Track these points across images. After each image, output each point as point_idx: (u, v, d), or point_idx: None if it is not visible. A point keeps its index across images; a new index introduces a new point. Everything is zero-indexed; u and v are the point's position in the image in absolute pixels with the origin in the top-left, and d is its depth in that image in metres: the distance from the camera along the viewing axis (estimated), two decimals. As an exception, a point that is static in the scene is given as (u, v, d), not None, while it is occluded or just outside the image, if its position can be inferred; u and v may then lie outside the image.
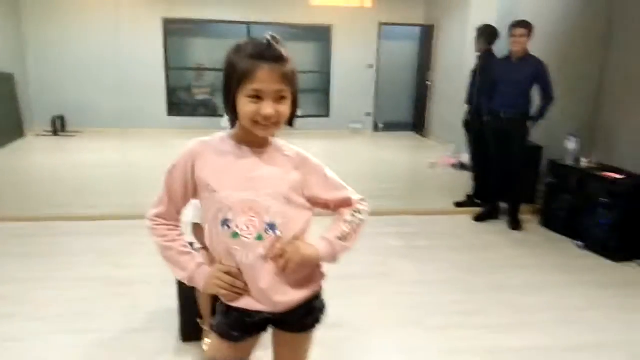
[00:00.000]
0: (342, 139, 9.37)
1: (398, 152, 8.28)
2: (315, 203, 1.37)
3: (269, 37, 1.19)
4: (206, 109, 10.13)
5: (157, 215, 1.32)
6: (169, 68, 9.84)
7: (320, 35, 10.20)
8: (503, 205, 4.64)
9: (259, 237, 1.25)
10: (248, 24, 9.77)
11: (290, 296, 1.32)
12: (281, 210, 1.27)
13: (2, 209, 4.54)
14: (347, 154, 8.16)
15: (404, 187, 5.97)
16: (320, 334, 2.60)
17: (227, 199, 1.24)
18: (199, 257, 1.36)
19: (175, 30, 10.28)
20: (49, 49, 9.07)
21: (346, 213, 1.41)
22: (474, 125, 4.78)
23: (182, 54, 10.62)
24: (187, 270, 1.32)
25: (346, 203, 1.42)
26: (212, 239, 1.30)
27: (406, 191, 5.72)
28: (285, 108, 1.22)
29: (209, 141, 1.29)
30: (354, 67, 9.96)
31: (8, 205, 4.70)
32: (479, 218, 4.63)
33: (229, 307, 1.33)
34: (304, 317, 1.41)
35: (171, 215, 1.33)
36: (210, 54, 10.52)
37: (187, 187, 1.29)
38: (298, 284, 1.34)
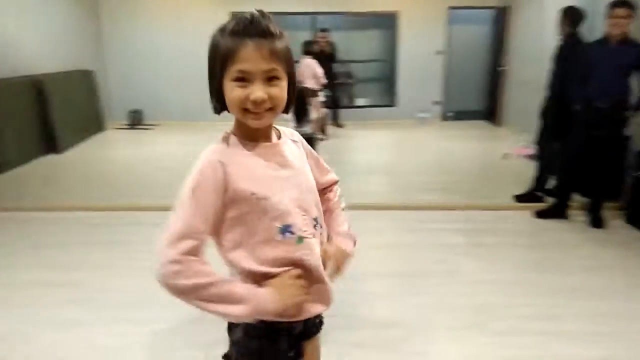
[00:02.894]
0: (409, 129, 9.10)
1: (468, 142, 7.88)
2: None
3: (254, 12, 1.05)
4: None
5: (185, 253, 1.01)
6: (237, 61, 10.00)
7: (385, 22, 9.94)
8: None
9: (314, 235, 1.17)
10: (313, 14, 9.74)
11: (329, 290, 1.25)
12: (316, 201, 1.22)
13: (80, 198, 4.84)
14: (414, 144, 7.90)
15: (473, 179, 5.66)
16: (373, 333, 2.54)
17: (282, 202, 1.10)
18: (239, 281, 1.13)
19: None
20: (126, 45, 9.55)
21: (337, 200, 1.39)
22: (552, 114, 4.41)
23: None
24: (246, 299, 1.03)
25: (332, 185, 1.41)
26: (265, 255, 1.10)
27: (474, 184, 5.42)
28: (278, 90, 1.05)
29: (224, 149, 1.10)
30: (421, 54, 9.62)
31: (86, 195, 5.00)
32: (542, 214, 4.27)
33: (274, 329, 1.15)
34: (318, 317, 1.32)
35: (200, 248, 1.04)
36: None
37: (218, 206, 1.06)
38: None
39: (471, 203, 4.62)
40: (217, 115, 1.17)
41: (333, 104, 8.99)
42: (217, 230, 1.10)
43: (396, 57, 9.77)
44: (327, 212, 1.34)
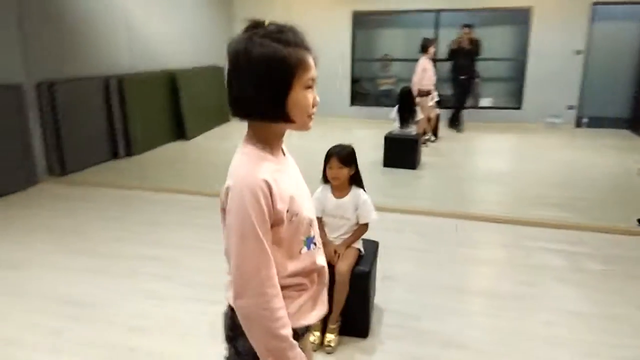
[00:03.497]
0: (536, 134, 8.33)
1: (602, 152, 6.99)
2: None
3: (282, 24, 1.10)
4: (388, 100, 10.12)
5: (279, 294, 1.10)
6: (355, 59, 10.11)
7: (516, 18, 9.23)
8: None
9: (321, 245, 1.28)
10: (437, 11, 9.41)
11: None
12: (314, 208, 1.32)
13: (195, 183, 5.28)
14: (538, 151, 7.19)
15: (597, 196, 5.00)
16: (438, 352, 2.40)
17: (308, 217, 1.18)
18: None
19: (363, 22, 10.51)
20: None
21: None
22: None
23: (369, 45, 10.81)
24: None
25: None
26: (291, 265, 1.16)
27: (598, 202, 4.79)
28: None
29: (260, 166, 1.09)
30: (556, 53, 8.75)
31: (202, 180, 5.44)
32: None
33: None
34: None
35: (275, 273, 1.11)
36: (396, 44, 10.51)
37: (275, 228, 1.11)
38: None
39: (583, 223, 4.10)
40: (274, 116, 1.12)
41: (458, 104, 8.60)
42: None
43: (527, 55, 9.02)
44: None
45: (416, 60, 9.75)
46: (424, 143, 7.04)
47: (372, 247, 2.76)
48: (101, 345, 2.48)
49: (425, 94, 7.18)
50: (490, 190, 5.29)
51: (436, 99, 8.02)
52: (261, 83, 1.04)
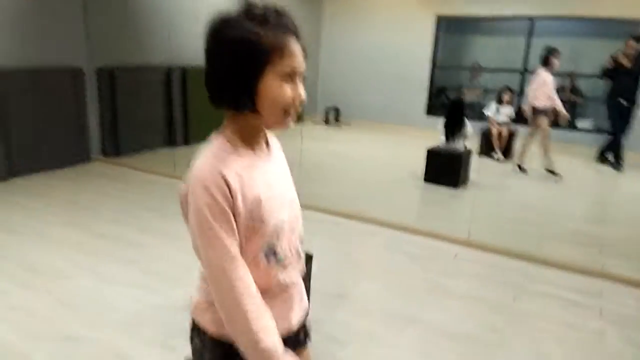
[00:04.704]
0: None
1: None
2: None
3: (273, 5, 0.97)
4: (471, 112, 9.47)
5: (256, 295, 0.98)
6: (436, 66, 9.61)
7: (625, 31, 8.07)
8: None
9: (298, 255, 1.12)
10: (532, 18, 8.59)
11: (305, 306, 1.22)
12: (299, 215, 1.14)
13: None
14: (617, 189, 6.20)
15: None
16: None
17: (277, 225, 1.02)
18: None
19: (452, 28, 9.96)
20: (338, 46, 10.17)
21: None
22: None
23: (457, 52, 10.22)
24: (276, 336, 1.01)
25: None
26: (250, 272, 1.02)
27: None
28: (304, 92, 1.01)
29: (221, 156, 0.98)
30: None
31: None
32: None
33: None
34: (300, 333, 1.23)
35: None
36: (487, 53, 9.81)
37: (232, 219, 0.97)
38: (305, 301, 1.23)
39: (607, 271, 3.43)
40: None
41: (615, 135, 6.86)
42: None
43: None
44: None
45: (509, 70, 9.08)
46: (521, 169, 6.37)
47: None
48: (28, 312, 2.61)
49: (542, 112, 6.02)
50: (517, 219, 4.67)
51: (511, 115, 7.34)
52: (228, 66, 0.94)
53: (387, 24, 9.58)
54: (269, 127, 1.04)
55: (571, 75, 8.96)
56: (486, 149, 7.35)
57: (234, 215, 0.95)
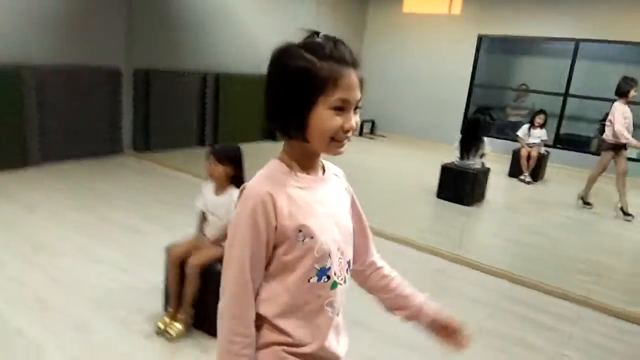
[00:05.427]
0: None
1: None
2: None
3: (334, 37, 1.00)
4: (512, 132, 9.27)
5: (243, 316, 1.00)
6: (476, 86, 9.48)
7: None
8: None
9: (345, 280, 1.10)
10: (577, 41, 8.31)
11: (346, 344, 1.16)
12: (351, 243, 1.14)
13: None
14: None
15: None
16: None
17: (326, 243, 1.02)
18: None
19: (495, 48, 9.80)
20: (378, 63, 10.25)
21: (388, 269, 1.27)
22: None
23: (501, 72, 10.03)
24: None
25: (369, 254, 1.25)
26: (296, 294, 1.02)
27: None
28: (359, 120, 1.03)
29: (274, 178, 1.02)
30: None
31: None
32: None
33: None
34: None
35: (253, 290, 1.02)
36: (534, 74, 9.56)
37: (269, 248, 1.00)
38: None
39: (617, 308, 3.29)
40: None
41: None
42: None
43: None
44: (383, 281, 1.24)
45: (552, 93, 8.83)
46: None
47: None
48: (20, 284, 2.90)
49: (623, 146, 5.40)
50: (517, 241, 4.55)
51: (544, 137, 7.13)
52: (283, 95, 0.98)
53: (429, 42, 9.58)
54: (319, 153, 1.06)
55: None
56: (515, 170, 7.18)
57: (280, 233, 0.98)
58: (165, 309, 2.57)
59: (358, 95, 0.99)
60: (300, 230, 0.99)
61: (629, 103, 5.38)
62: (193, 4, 6.86)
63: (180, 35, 6.75)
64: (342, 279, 1.07)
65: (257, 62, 7.93)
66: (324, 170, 1.11)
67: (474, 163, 5.56)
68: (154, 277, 3.02)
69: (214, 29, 7.20)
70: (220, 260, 2.32)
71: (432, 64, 9.55)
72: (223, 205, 2.50)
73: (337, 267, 1.06)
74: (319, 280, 1.02)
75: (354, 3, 10.08)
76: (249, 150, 7.25)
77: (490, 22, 8.97)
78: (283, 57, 0.98)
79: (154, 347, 2.39)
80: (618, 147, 5.40)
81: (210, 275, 2.44)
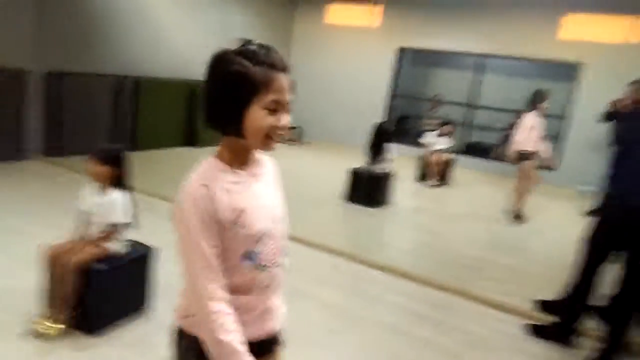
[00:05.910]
0: (563, 201, 7.38)
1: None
2: None
3: (265, 44, 1.12)
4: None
5: (220, 299, 1.11)
6: (396, 95, 9.98)
7: (564, 73, 8.48)
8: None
9: (278, 265, 1.24)
10: (484, 56, 8.99)
11: (282, 312, 1.33)
12: (285, 231, 1.27)
13: (164, 189, 5.61)
14: (552, 220, 6.39)
15: (537, 270, 4.38)
16: None
17: (259, 232, 1.16)
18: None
19: (415, 60, 10.36)
20: (305, 71, 10.50)
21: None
22: None
23: (419, 83, 10.62)
24: None
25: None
26: (229, 275, 1.14)
27: (529, 276, 4.22)
28: (289, 119, 1.15)
29: (209, 175, 1.13)
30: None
31: (165, 185, 5.77)
32: (539, 331, 3.11)
33: None
34: (277, 334, 1.34)
35: (222, 279, 1.14)
36: (448, 85, 10.19)
37: (216, 233, 1.11)
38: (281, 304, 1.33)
39: (454, 286, 3.66)
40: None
41: None
42: None
43: (573, 113, 8.19)
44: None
45: (462, 104, 9.38)
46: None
47: (144, 251, 2.79)
48: None
49: (529, 156, 5.57)
50: (410, 239, 4.91)
51: (450, 145, 7.63)
52: (221, 96, 1.10)
53: (351, 52, 9.97)
54: (254, 149, 1.18)
55: (519, 113, 9.31)
56: (423, 174, 7.62)
57: (218, 223, 1.09)
58: (44, 310, 2.59)
59: (288, 97, 1.12)
60: (236, 222, 1.11)
61: (541, 115, 5.55)
62: (108, 7, 6.77)
63: (97, 37, 6.65)
64: (273, 263, 1.21)
65: (178, 67, 7.95)
66: (258, 165, 1.23)
67: (381, 168, 5.89)
68: (35, 279, 3.01)
69: (133, 32, 7.14)
70: (98, 259, 2.44)
71: (353, 73, 9.94)
72: (103, 206, 2.57)
73: (268, 252, 1.19)
74: (250, 263, 1.15)
75: (281, 11, 10.28)
76: (169, 156, 7.42)
77: (407, 36, 9.47)
78: (221, 63, 1.09)
79: (29, 348, 2.41)
80: (524, 157, 5.54)
81: (91, 275, 2.51)
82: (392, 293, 3.53)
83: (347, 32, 10.00)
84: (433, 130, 7.79)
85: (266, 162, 1.29)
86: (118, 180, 2.61)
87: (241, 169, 1.17)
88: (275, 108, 1.09)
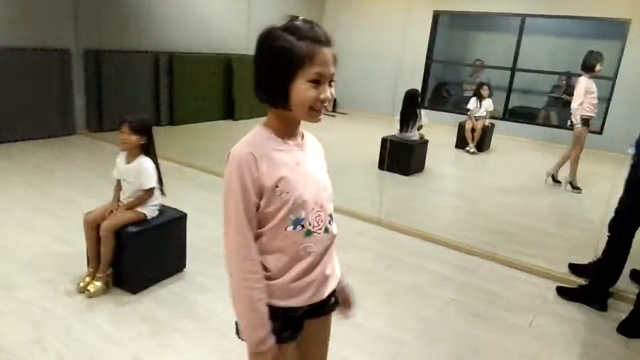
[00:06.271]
0: (610, 166, 7.03)
1: None
2: None
3: (309, 19, 1.17)
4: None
5: (249, 258, 1.19)
6: (433, 61, 9.75)
7: (610, 32, 8.00)
8: None
9: (326, 230, 1.28)
10: (523, 16, 8.59)
11: (336, 277, 1.38)
12: (331, 200, 1.33)
13: (203, 160, 5.82)
14: (598, 186, 6.16)
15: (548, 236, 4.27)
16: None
17: (300, 197, 1.20)
18: None
19: (452, 24, 10.03)
20: (337, 40, 10.37)
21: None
22: None
23: (458, 48, 10.30)
24: (268, 326, 1.21)
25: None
26: (275, 240, 1.22)
27: (555, 240, 4.13)
28: (334, 92, 1.19)
29: (256, 140, 1.21)
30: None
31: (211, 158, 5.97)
32: (565, 292, 3.09)
33: (274, 310, 1.24)
34: (331, 298, 1.38)
35: (253, 240, 1.20)
36: (487, 49, 9.85)
37: (254, 197, 1.18)
38: (335, 271, 1.39)
39: (481, 250, 3.65)
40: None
41: None
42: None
43: (618, 73, 7.77)
44: None
45: (503, 67, 9.08)
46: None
47: (175, 215, 2.95)
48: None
49: (586, 122, 5.36)
50: (442, 206, 4.88)
51: (490, 107, 7.44)
52: (268, 71, 1.16)
53: (386, 19, 9.77)
54: (300, 120, 1.23)
55: (566, 75, 8.92)
56: (461, 142, 7.50)
57: (261, 188, 1.16)
58: (88, 270, 2.80)
59: (332, 69, 1.15)
60: (277, 186, 1.17)
61: (594, 77, 5.30)
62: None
63: (130, 14, 6.84)
64: (319, 229, 1.25)
65: (212, 41, 8.08)
66: (302, 138, 1.29)
67: (413, 135, 5.84)
68: (81, 243, 3.25)
69: (165, 8, 7.29)
70: (133, 223, 2.60)
71: (389, 41, 9.75)
72: (133, 172, 2.72)
73: (313, 218, 1.23)
74: (294, 229, 1.21)
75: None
76: (208, 129, 7.61)
77: (444, -1, 9.18)
78: (267, 39, 1.14)
79: (73, 302, 2.63)
80: (584, 122, 5.31)
81: (124, 237, 2.69)
82: (415, 256, 3.56)
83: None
84: (474, 96, 7.59)
85: (312, 138, 1.35)
86: (146, 148, 2.75)
87: (287, 139, 1.23)
88: (319, 80, 1.13)
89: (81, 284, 2.71)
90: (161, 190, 2.86)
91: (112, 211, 2.75)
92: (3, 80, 5.49)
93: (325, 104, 1.16)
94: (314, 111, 1.15)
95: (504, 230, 4.25)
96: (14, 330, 2.36)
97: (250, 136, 1.21)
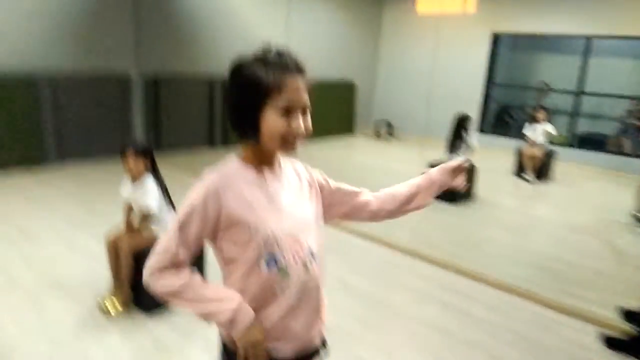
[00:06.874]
0: None
1: None
2: (336, 214, 1.36)
3: (280, 47, 1.13)
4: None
5: (161, 268, 1.13)
6: (494, 84, 9.40)
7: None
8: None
9: (305, 267, 1.18)
10: (588, 37, 8.09)
11: (320, 329, 1.29)
12: (314, 234, 1.23)
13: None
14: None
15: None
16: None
17: (272, 233, 1.12)
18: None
19: (511, 46, 9.65)
20: (395, 65, 10.35)
21: (383, 191, 1.43)
22: None
23: (520, 70, 9.88)
24: (235, 300, 1.13)
25: (368, 203, 1.39)
26: (248, 281, 1.14)
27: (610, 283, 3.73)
28: (309, 122, 1.13)
29: (228, 172, 1.15)
30: None
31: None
32: (615, 343, 2.73)
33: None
34: (319, 349, 1.31)
35: (178, 261, 1.13)
36: (552, 71, 9.36)
37: (205, 229, 1.12)
38: (322, 315, 1.29)
39: (527, 292, 3.35)
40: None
41: None
42: (214, 242, 1.17)
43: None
44: (393, 198, 1.40)
45: (570, 92, 8.56)
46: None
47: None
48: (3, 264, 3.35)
49: None
50: (481, 239, 4.57)
51: (551, 132, 6.98)
52: (237, 101, 1.11)
53: (444, 42, 9.58)
54: (274, 153, 1.17)
55: (638, 99, 8.26)
56: (520, 169, 7.09)
57: (220, 221, 1.10)
58: (110, 289, 2.88)
59: (304, 98, 1.09)
60: (245, 221, 1.10)
61: None
62: (197, 11, 7.28)
63: (187, 42, 7.20)
64: (296, 264, 1.15)
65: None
66: (282, 169, 1.21)
67: (460, 156, 5.60)
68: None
69: (220, 35, 7.61)
70: (149, 244, 2.65)
71: (447, 63, 9.56)
72: (139, 191, 2.79)
73: (289, 255, 1.14)
74: (267, 266, 1.12)
75: (369, 5, 10.24)
76: None
77: (504, 20, 8.89)
78: (236, 70, 1.11)
79: (94, 320, 2.71)
80: None
81: (143, 259, 2.74)
82: (445, 290, 3.36)
83: (439, 20, 9.62)
84: (537, 122, 7.14)
85: (295, 165, 1.27)
86: (150, 168, 2.82)
87: (259, 171, 1.16)
88: (290, 111, 1.07)
89: (102, 303, 2.80)
90: (173, 207, 2.89)
91: (129, 231, 2.83)
92: (67, 103, 5.94)
93: (299, 135, 1.10)
94: (286, 143, 1.09)
95: (551, 267, 3.91)
96: (30, 346, 2.47)
97: (223, 166, 1.16)
